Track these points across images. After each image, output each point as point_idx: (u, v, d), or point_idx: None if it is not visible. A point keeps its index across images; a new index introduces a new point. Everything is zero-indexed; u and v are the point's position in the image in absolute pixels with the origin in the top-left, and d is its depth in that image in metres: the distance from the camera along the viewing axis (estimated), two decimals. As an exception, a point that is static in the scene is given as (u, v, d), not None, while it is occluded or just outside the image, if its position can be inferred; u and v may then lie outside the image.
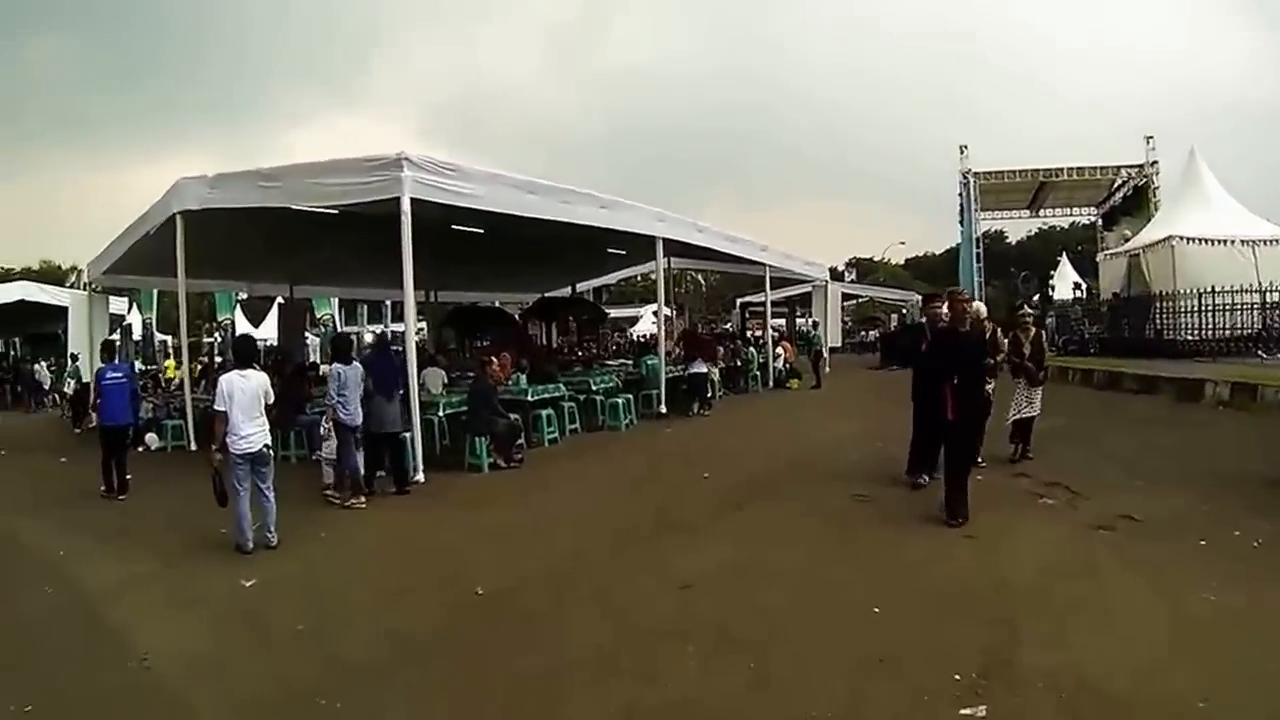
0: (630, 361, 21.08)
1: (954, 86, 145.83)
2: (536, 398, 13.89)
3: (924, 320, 11.08)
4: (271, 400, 8.31)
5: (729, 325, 40.55)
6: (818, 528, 8.23)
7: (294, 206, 12.84)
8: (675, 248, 18.63)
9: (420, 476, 11.02)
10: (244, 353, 8.69)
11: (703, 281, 61.53)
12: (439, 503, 10.18)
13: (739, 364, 22.95)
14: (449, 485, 11.02)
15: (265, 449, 8.15)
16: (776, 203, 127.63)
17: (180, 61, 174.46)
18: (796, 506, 9.13)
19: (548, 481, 11.23)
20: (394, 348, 13.04)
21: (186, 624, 6.26)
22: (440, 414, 13.07)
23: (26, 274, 44.12)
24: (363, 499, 9.98)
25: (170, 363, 29.13)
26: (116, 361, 12.38)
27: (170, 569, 7.71)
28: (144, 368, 28.41)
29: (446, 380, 14.93)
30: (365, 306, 42.45)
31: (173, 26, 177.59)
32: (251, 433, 8.01)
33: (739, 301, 46.01)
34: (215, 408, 8.10)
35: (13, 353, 39.13)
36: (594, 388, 16.08)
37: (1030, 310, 12.62)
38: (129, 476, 11.42)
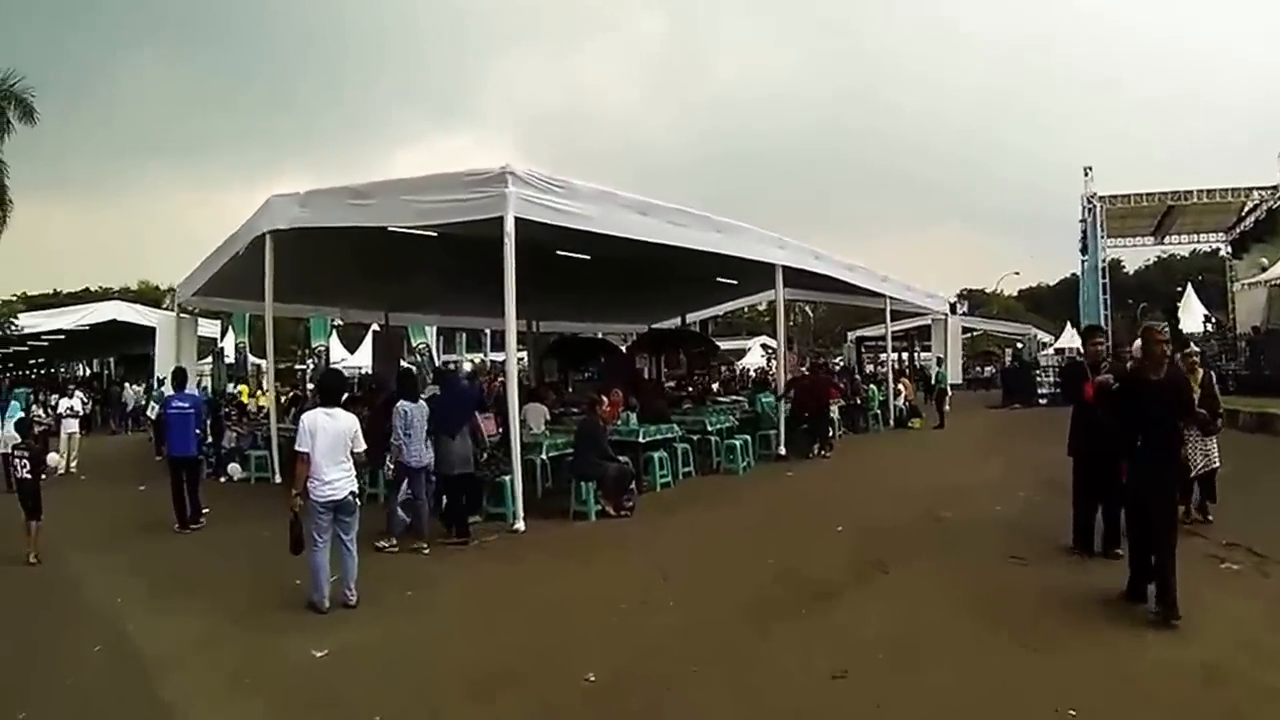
0: (742, 398, 19.89)
1: (1070, 106, 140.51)
2: (648, 439, 12.71)
3: (1081, 359, 9.62)
4: (361, 447, 7.29)
5: (839, 360, 38.90)
6: (980, 600, 6.94)
7: (388, 227, 12.06)
8: (789, 276, 17.31)
9: (520, 525, 9.96)
10: (330, 389, 7.76)
11: (810, 313, 59.93)
12: (541, 556, 9.07)
13: (858, 402, 21.46)
14: (552, 536, 9.91)
15: (350, 497, 7.14)
16: (875, 231, 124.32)
17: (282, 83, 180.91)
18: (948, 570, 7.91)
19: (662, 533, 10.02)
20: (462, 381, 12.18)
21: (245, 708, 5.29)
22: (544, 455, 11.94)
23: (124, 294, 45.01)
24: (425, 546, 9.17)
25: (244, 388, 28.83)
26: (186, 390, 12.01)
27: (235, 628, 6.81)
28: (236, 390, 28.27)
29: (549, 417, 13.84)
30: (464, 335, 42.00)
31: (275, 48, 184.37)
32: (335, 478, 7.05)
33: (851, 335, 44.24)
34: (296, 448, 7.19)
35: (107, 373, 39.77)
36: (709, 427, 14.83)
37: (1195, 348, 10.91)
38: (206, 510, 11.22)
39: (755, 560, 8.45)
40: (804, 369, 21.38)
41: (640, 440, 12.41)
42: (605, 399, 11.55)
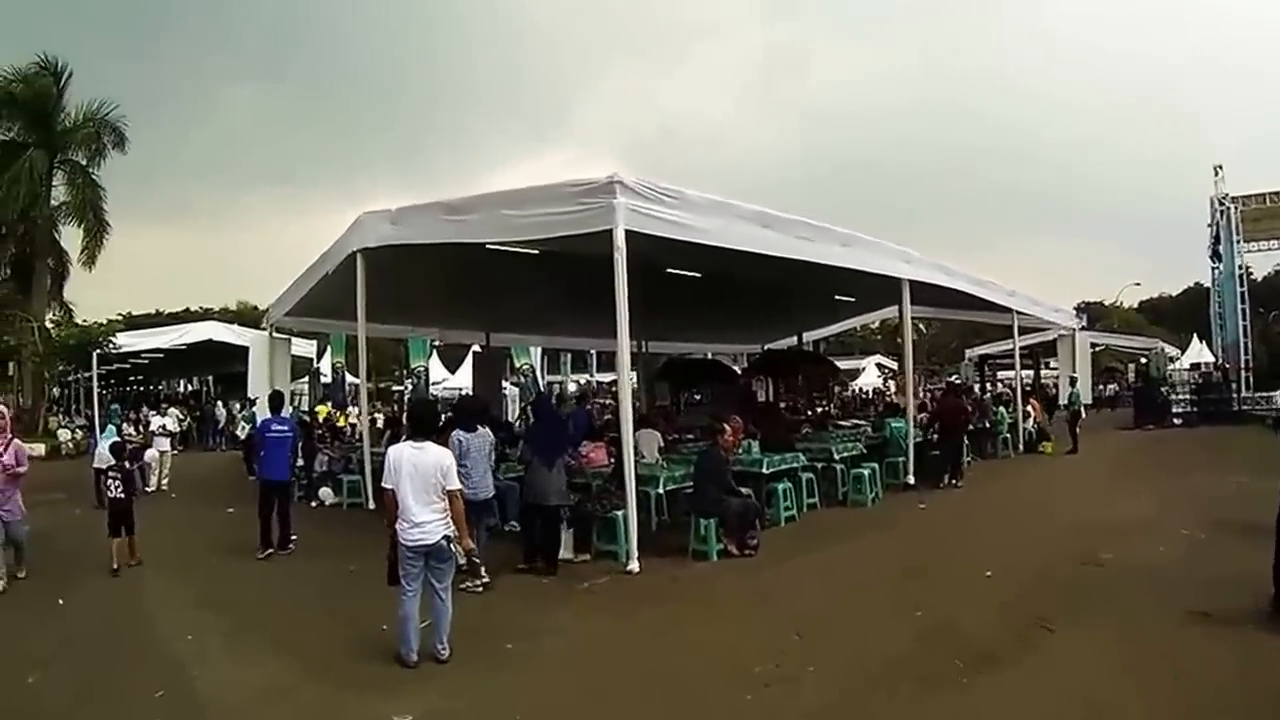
0: (863, 422, 18.71)
1: (1182, 105, 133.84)
2: (772, 469, 11.70)
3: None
4: (454, 485, 6.40)
5: (954, 378, 37.09)
6: (1170, 666, 5.90)
7: (486, 244, 11.40)
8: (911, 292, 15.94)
9: (634, 565, 9.06)
10: (420, 420, 6.92)
11: (924, 330, 57.92)
12: (658, 605, 8.12)
13: (987, 425, 19.99)
14: (669, 579, 8.93)
15: (444, 542, 6.27)
16: (985, 244, 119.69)
17: (376, 107, 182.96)
18: (1122, 629, 6.78)
19: (790, 576, 9.01)
20: (571, 404, 11.38)
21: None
22: (660, 489, 10.87)
23: (224, 315, 45.85)
24: (479, 581, 8.19)
25: (322, 409, 28.58)
26: (283, 414, 11.92)
27: (310, 679, 6.20)
28: (331, 412, 28.06)
29: (662, 444, 12.87)
30: (568, 355, 41.43)
31: (368, 72, 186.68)
32: (426, 520, 6.23)
33: (970, 353, 42.21)
34: (382, 484, 6.51)
35: (206, 390, 40.40)
36: (836, 455, 13.72)
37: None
38: (295, 536, 10.95)
39: (899, 612, 7.42)
40: (930, 389, 20.04)
41: (764, 471, 11.45)
42: (727, 427, 10.52)
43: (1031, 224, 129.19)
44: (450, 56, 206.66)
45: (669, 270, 14.34)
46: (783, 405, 22.22)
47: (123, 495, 10.05)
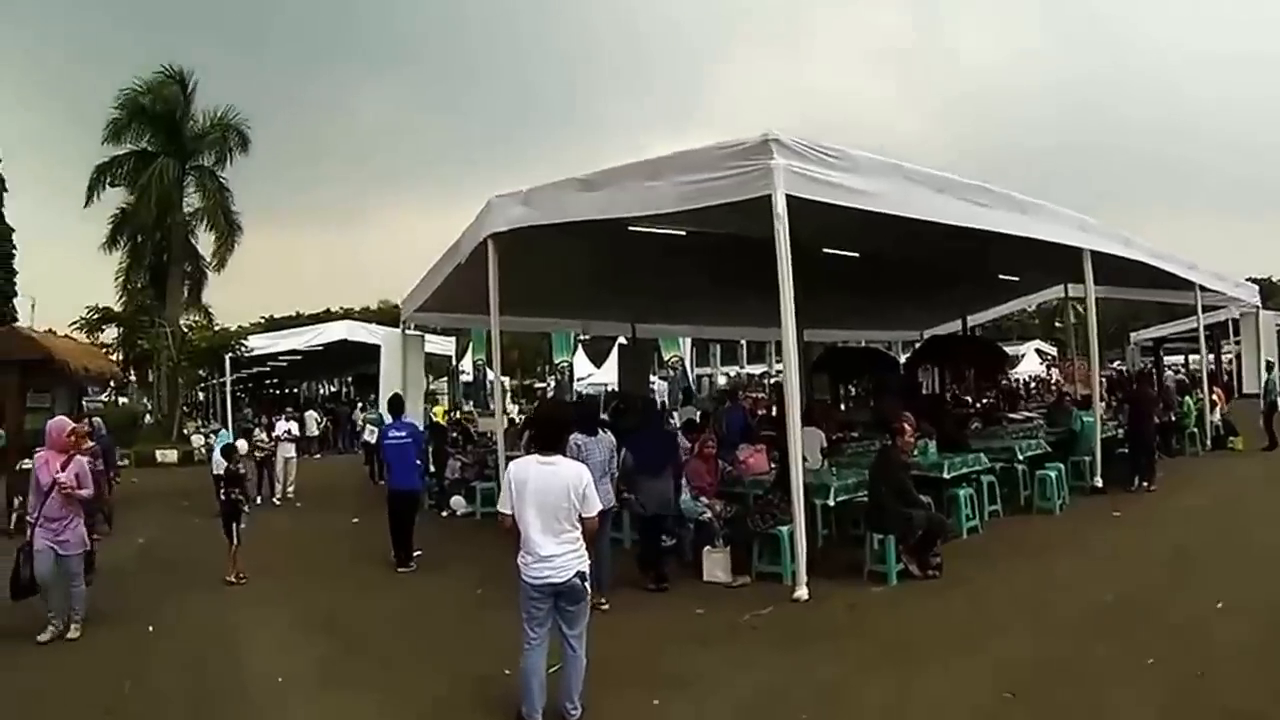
0: (1035, 415, 16.84)
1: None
2: (954, 473, 10.17)
3: None
4: (594, 510, 5.09)
5: (1117, 364, 34.26)
6: None
7: (629, 224, 10.48)
8: (1075, 267, 14.00)
9: (802, 592, 7.70)
10: (551, 426, 5.58)
11: (1081, 311, 54.36)
12: (834, 641, 6.80)
13: (1172, 418, 17.68)
14: (844, 609, 7.56)
15: (578, 580, 5.00)
16: (1132, 220, 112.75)
17: (510, 100, 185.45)
18: None
19: (986, 607, 7.53)
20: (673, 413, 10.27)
21: None
22: (831, 499, 9.37)
23: (365, 314, 46.09)
24: (604, 601, 7.32)
25: (439, 408, 27.91)
26: (404, 419, 11.06)
27: None
28: (471, 409, 27.36)
29: (825, 444, 11.39)
30: (718, 346, 39.98)
31: (500, 66, 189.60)
32: (555, 554, 4.95)
33: (1135, 336, 38.96)
34: (498, 507, 5.27)
35: (346, 392, 40.46)
36: (1020, 456, 12.05)
37: None
38: (419, 552, 10.21)
39: (1127, 661, 5.89)
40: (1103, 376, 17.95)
41: (945, 476, 9.95)
42: (905, 425, 8.97)
43: (1180, 197, 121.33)
44: (579, 45, 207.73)
45: (825, 250, 13.02)
46: (957, 402, 20.29)
47: (223, 499, 9.75)
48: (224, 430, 15.69)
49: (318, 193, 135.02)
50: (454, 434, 17.50)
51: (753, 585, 8.24)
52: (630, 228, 11.15)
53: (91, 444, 9.65)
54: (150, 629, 7.77)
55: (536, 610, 5.01)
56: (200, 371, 29.81)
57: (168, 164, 28.05)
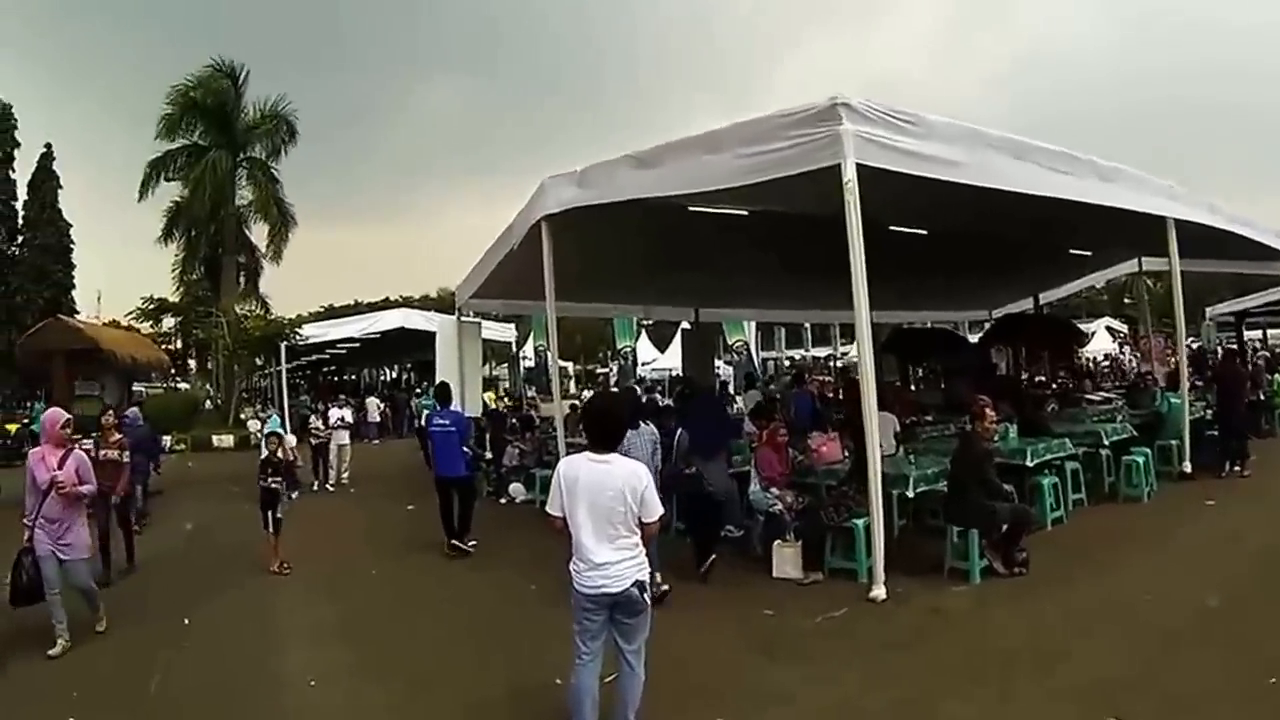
0: (1115, 396, 16.02)
1: None
2: (1037, 460, 9.50)
3: None
4: (654, 514, 4.53)
5: (1192, 342, 32.78)
6: None
7: (688, 203, 9.95)
8: (1154, 240, 13.18)
9: (879, 591, 7.17)
10: (603, 424, 4.80)
11: (1153, 286, 52.33)
12: (917, 650, 6.19)
13: (1260, 397, 16.72)
14: (927, 612, 6.97)
15: (636, 590, 4.45)
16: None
17: (572, 89, 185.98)
18: None
19: (1080, 612, 6.79)
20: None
21: None
22: (910, 490, 8.62)
23: (424, 302, 46.01)
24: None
25: (490, 394, 27.71)
26: (451, 407, 10.92)
27: None
28: (534, 395, 26.98)
29: (898, 429, 10.79)
30: (782, 330, 39.20)
31: (566, 60, 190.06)
32: (610, 561, 4.42)
33: (1212, 311, 37.03)
34: (547, 509, 4.70)
35: (406, 379, 40.51)
36: (1105, 440, 11.30)
37: None
38: (474, 542, 10.07)
39: (1250, 679, 5.22)
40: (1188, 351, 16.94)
41: (1028, 464, 9.31)
42: (986, 409, 8.30)
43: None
44: (645, 30, 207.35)
45: (891, 228, 12.37)
46: (1030, 383, 19.13)
47: (262, 485, 9.59)
48: (273, 415, 15.40)
49: (379, 189, 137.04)
50: (512, 420, 17.07)
51: (825, 582, 7.73)
52: (690, 207, 10.60)
53: (118, 436, 9.27)
54: (186, 622, 7.53)
55: (590, 622, 4.51)
56: (257, 359, 29.80)
57: (220, 156, 28.23)
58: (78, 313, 28.38)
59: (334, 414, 16.86)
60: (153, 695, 5.86)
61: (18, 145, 27.87)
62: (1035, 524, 8.51)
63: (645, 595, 4.50)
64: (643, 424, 8.16)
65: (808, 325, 36.31)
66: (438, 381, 12.20)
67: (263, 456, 10.12)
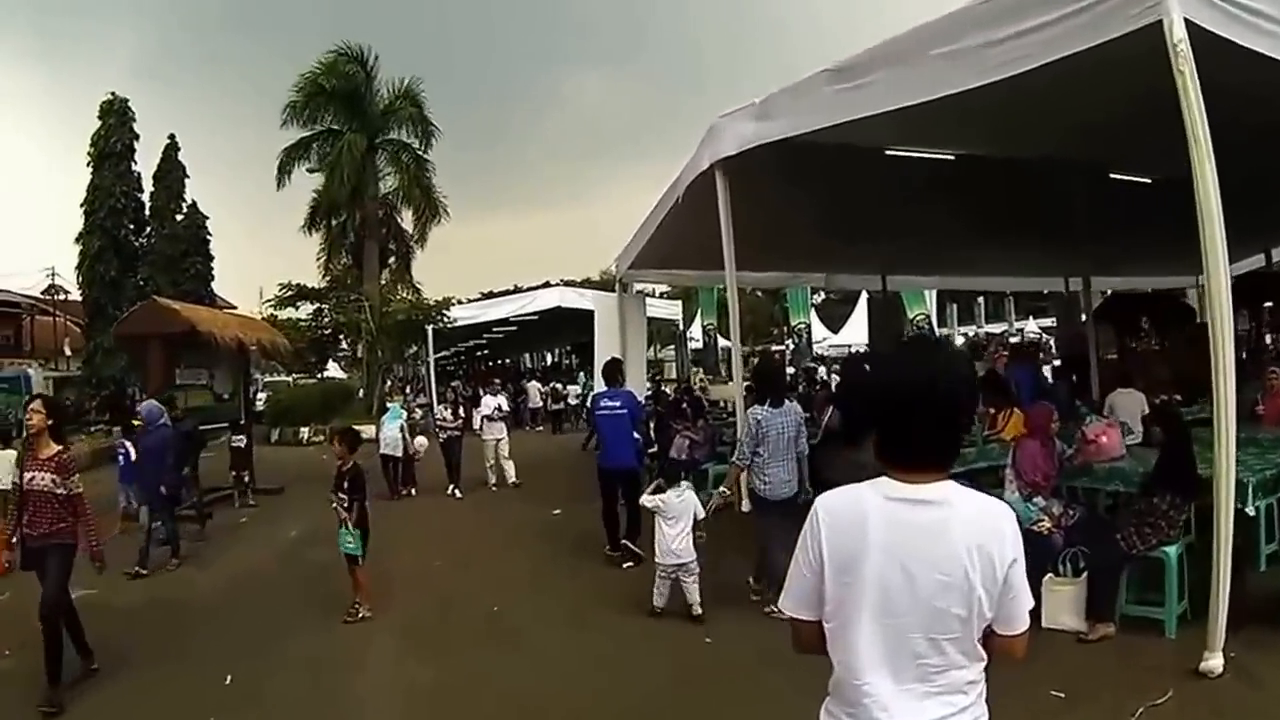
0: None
1: None
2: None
3: None
4: (1021, 623, 1.99)
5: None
6: None
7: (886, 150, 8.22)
8: None
9: (1216, 662, 4.83)
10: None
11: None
12: None
13: None
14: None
15: None
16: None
17: (718, 71, 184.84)
18: None
19: None
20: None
21: None
22: (1249, 504, 5.69)
23: (585, 283, 44.61)
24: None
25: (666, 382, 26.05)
26: (619, 387, 9.41)
27: None
28: (705, 379, 25.77)
29: (1145, 409, 8.50)
30: (954, 305, 35.89)
31: (711, 40, 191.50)
32: None
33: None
34: (781, 603, 2.33)
35: (566, 363, 39.63)
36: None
37: None
38: (640, 553, 8.10)
39: None
40: None
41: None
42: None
43: None
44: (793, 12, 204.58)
45: (1113, 176, 10.15)
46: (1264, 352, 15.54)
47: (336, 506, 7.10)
48: (394, 406, 13.74)
49: (539, 176, 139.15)
50: (683, 404, 14.01)
51: (1118, 636, 5.43)
52: (887, 151, 8.76)
53: (57, 450, 6.15)
54: (228, 680, 5.72)
55: None
56: (407, 346, 28.96)
57: (355, 139, 27.48)
58: (220, 305, 27.79)
59: (488, 403, 14.41)
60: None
61: (137, 137, 27.41)
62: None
63: None
64: (788, 401, 7.04)
65: (980, 299, 33.26)
66: (605, 360, 10.51)
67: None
